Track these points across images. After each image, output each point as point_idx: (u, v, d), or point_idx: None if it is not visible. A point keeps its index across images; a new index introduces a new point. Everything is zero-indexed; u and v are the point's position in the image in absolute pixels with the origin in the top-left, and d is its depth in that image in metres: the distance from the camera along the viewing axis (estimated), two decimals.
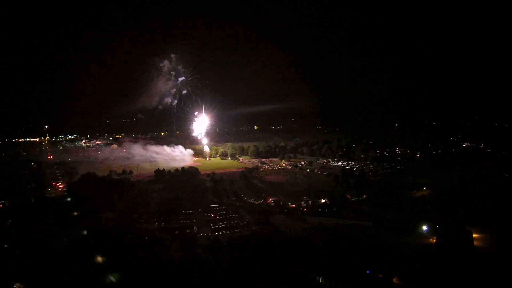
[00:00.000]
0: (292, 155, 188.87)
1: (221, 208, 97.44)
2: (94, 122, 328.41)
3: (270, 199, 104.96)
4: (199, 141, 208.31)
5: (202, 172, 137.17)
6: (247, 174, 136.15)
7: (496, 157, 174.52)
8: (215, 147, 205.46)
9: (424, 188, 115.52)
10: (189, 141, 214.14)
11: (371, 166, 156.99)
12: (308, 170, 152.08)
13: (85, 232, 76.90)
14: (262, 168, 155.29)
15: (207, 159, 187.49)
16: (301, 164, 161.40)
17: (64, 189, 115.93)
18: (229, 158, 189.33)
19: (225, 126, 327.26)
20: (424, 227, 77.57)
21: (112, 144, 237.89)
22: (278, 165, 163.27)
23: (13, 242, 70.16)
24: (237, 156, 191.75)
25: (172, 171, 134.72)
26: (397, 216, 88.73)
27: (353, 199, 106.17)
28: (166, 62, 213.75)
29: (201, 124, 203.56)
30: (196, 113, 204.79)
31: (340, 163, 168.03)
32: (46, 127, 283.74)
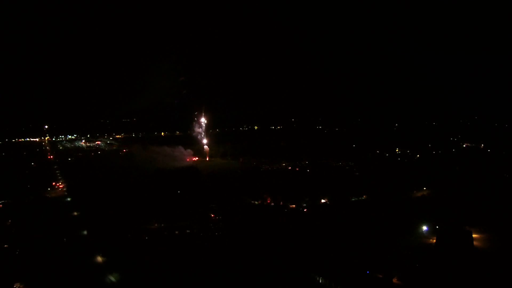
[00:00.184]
0: (292, 154, 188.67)
1: (221, 208, 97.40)
2: (94, 122, 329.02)
3: (270, 199, 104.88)
4: (199, 141, 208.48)
5: (202, 172, 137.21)
6: (247, 174, 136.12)
7: (496, 157, 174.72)
8: (215, 147, 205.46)
9: (424, 188, 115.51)
10: (189, 141, 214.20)
11: (371, 166, 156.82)
12: (308, 170, 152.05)
13: (85, 232, 76.95)
14: (262, 168, 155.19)
15: (207, 159, 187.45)
16: (301, 164, 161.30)
17: (64, 189, 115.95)
18: (229, 158, 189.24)
19: (225, 126, 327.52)
20: (424, 227, 77.53)
21: (113, 144, 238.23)
22: (278, 165, 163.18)
23: (13, 242, 70.17)
24: (237, 156, 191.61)
25: (172, 171, 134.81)
26: (397, 216, 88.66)
27: (353, 199, 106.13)
28: (166, 62, 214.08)
29: (201, 124, 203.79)
30: (196, 113, 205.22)
31: (340, 163, 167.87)
32: (46, 127, 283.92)
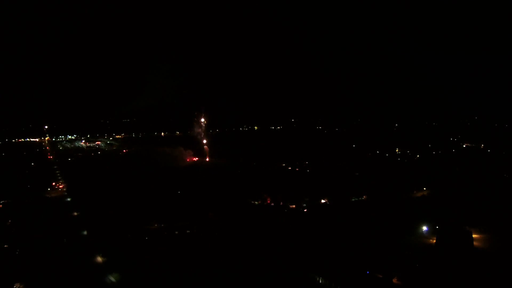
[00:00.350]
0: (292, 155, 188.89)
1: (220, 208, 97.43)
2: (94, 122, 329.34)
3: (270, 199, 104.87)
4: (199, 141, 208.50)
5: (202, 173, 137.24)
6: (247, 174, 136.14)
7: (496, 157, 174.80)
8: (215, 147, 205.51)
9: (424, 188, 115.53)
10: (189, 141, 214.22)
11: (371, 166, 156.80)
12: (308, 170, 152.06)
13: (85, 232, 76.95)
14: (262, 168, 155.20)
15: (207, 159, 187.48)
16: (301, 164, 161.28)
17: (64, 189, 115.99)
18: (229, 158, 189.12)
19: (225, 126, 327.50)
20: (424, 227, 77.54)
21: (113, 144, 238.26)
22: (278, 166, 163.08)
23: (13, 242, 70.16)
24: (237, 156, 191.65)
25: (172, 171, 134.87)
26: (397, 216, 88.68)
27: (353, 199, 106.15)
28: (166, 62, 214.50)
29: (201, 124, 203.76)
30: (196, 113, 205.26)
31: (340, 163, 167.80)
32: (46, 127, 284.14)
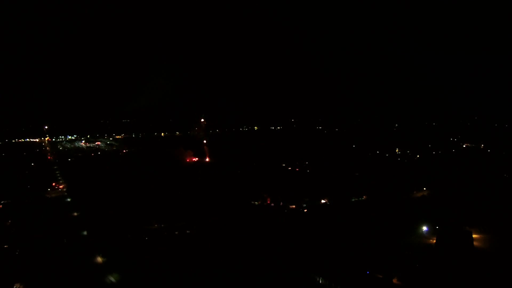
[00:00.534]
0: (292, 155, 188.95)
1: (221, 208, 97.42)
2: (94, 123, 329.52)
3: (270, 200, 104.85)
4: (199, 141, 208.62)
5: (202, 173, 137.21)
6: (247, 175, 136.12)
7: (496, 157, 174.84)
8: (215, 147, 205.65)
9: (424, 188, 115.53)
10: (189, 142, 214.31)
11: (371, 166, 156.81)
12: (308, 170, 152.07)
13: (85, 233, 76.95)
14: (262, 168, 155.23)
15: (207, 159, 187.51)
16: (301, 165, 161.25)
17: (64, 189, 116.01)
18: (229, 158, 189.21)
19: (225, 126, 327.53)
20: (424, 228, 77.53)
21: (113, 145, 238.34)
22: (278, 166, 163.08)
23: (13, 242, 70.16)
24: (237, 156, 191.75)
25: (172, 171, 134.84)
26: (397, 216, 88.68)
27: (353, 200, 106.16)
28: (166, 63, 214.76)
29: (201, 124, 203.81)
30: (196, 113, 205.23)
31: (340, 163, 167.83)
32: (46, 127, 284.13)
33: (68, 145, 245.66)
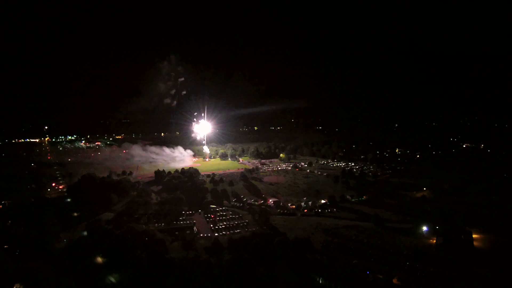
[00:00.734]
0: (292, 155, 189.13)
1: (221, 209, 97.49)
2: (94, 123, 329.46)
3: (270, 200, 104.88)
4: (199, 142, 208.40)
5: (202, 173, 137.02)
6: (247, 175, 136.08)
7: (496, 157, 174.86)
8: (215, 148, 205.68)
9: (424, 188, 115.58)
10: (189, 142, 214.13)
11: (371, 167, 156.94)
12: (308, 170, 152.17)
13: (85, 233, 76.88)
14: (262, 169, 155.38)
15: (207, 160, 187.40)
16: (301, 165, 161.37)
17: (64, 189, 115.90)
18: (229, 159, 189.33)
19: (224, 127, 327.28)
20: (424, 228, 77.58)
21: (112, 145, 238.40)
22: (278, 166, 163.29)
23: (13, 243, 70.07)
24: (237, 157, 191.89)
25: (172, 172, 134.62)
26: (397, 217, 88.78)
27: (353, 200, 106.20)
28: (166, 63, 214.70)
29: (201, 125, 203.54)
30: (195, 113, 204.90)
31: (340, 164, 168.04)
32: (46, 127, 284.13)
33: (68, 145, 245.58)
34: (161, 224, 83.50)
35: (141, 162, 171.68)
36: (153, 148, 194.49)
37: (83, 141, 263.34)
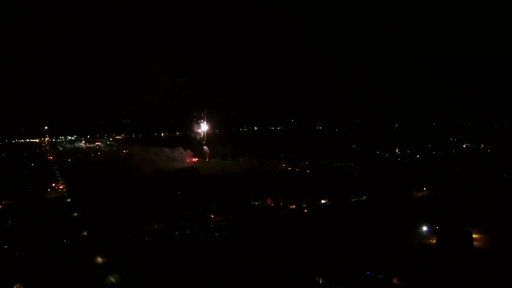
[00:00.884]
0: (292, 155, 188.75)
1: (220, 209, 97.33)
2: (94, 123, 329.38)
3: (270, 200, 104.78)
4: (199, 141, 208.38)
5: (202, 173, 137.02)
6: (247, 175, 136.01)
7: (496, 157, 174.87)
8: (215, 148, 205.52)
9: (424, 188, 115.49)
10: (188, 142, 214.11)
11: (371, 167, 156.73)
12: (308, 170, 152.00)
13: (85, 233, 76.92)
14: (262, 169, 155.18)
15: (207, 160, 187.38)
16: (301, 165, 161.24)
17: (64, 190, 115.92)
18: (229, 159, 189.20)
19: (225, 127, 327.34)
20: (424, 228, 77.51)
21: (112, 145, 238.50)
22: (278, 166, 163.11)
23: (13, 243, 70.11)
24: (236, 157, 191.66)
25: (172, 172, 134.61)
26: (397, 217, 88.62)
27: (353, 200, 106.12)
28: (166, 63, 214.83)
29: (200, 124, 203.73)
30: (195, 113, 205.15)
31: (340, 164, 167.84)
32: (46, 127, 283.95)
33: (68, 146, 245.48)
34: (161, 225, 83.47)
35: (141, 162, 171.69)
36: (153, 148, 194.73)
37: (83, 141, 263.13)
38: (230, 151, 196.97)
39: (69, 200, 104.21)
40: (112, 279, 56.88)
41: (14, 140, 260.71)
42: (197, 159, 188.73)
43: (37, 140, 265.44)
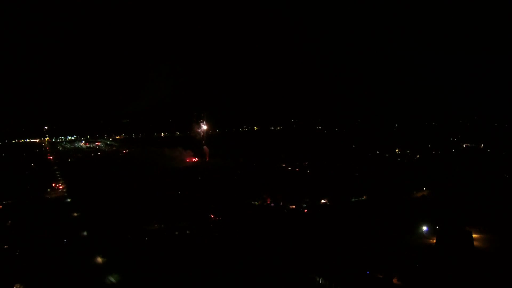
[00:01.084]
0: (291, 155, 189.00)
1: (220, 208, 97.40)
2: (94, 123, 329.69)
3: (270, 200, 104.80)
4: (198, 141, 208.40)
5: (202, 173, 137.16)
6: (246, 175, 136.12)
7: (496, 157, 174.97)
8: (215, 148, 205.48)
9: (424, 188, 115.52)
10: (188, 142, 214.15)
11: (371, 167, 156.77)
12: (308, 170, 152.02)
13: (85, 233, 76.95)
14: (262, 169, 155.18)
15: (207, 159, 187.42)
16: (301, 165, 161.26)
17: (64, 190, 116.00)
18: (229, 159, 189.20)
19: (225, 127, 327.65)
20: (424, 227, 77.53)
21: (112, 145, 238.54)
22: (278, 166, 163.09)
23: (13, 243, 70.14)
24: (237, 157, 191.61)
25: (172, 171, 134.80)
26: (397, 217, 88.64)
27: (353, 200, 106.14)
28: (166, 63, 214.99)
29: (200, 124, 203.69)
30: (195, 113, 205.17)
31: (340, 164, 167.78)
32: (46, 128, 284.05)
33: (68, 146, 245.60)
34: (161, 224, 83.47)
35: (141, 162, 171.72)
36: (152, 148, 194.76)
37: (83, 141, 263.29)
38: (230, 151, 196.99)
39: (69, 200, 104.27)
40: (112, 279, 56.86)
41: (14, 140, 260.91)
42: (197, 159, 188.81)
43: (37, 140, 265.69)
